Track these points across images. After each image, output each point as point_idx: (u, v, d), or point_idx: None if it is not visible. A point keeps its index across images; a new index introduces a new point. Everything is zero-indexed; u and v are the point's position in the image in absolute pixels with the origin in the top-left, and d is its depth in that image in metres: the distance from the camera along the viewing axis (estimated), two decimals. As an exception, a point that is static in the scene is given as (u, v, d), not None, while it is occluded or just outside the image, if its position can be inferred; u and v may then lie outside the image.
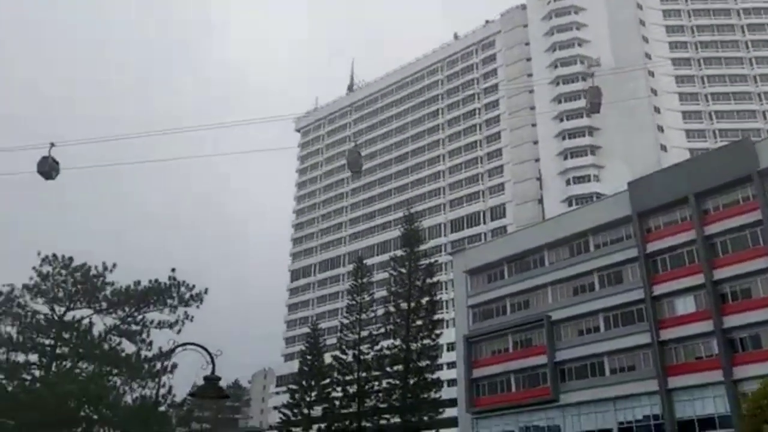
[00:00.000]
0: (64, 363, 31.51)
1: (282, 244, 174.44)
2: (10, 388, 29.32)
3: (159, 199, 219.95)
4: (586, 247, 52.65)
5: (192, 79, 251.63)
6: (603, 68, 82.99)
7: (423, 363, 48.78)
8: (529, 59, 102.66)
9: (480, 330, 55.64)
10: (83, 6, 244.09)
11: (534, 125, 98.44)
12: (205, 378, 9.70)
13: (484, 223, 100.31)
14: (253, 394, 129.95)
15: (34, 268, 31.28)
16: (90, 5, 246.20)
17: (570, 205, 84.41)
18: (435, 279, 54.62)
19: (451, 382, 63.04)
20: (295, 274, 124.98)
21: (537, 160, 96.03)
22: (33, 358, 31.04)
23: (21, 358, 30.72)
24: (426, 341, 49.30)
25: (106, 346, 31.90)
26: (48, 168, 29.10)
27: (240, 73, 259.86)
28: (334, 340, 58.84)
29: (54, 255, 31.95)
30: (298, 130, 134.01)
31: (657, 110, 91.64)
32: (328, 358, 53.24)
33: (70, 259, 32.09)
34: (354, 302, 52.20)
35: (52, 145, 29.24)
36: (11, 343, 30.37)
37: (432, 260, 56.71)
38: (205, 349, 9.96)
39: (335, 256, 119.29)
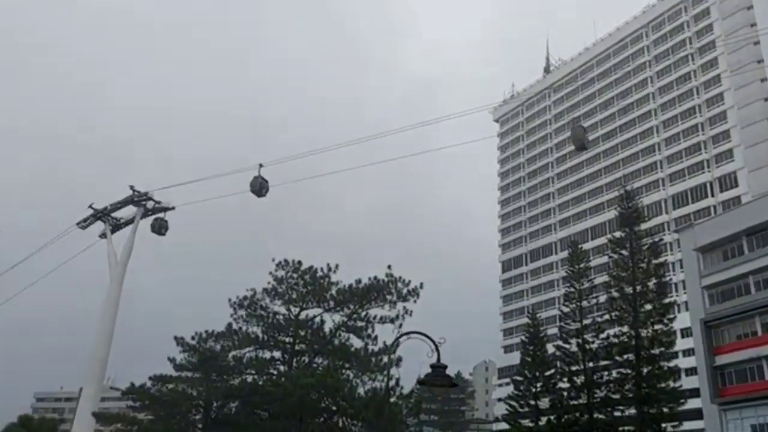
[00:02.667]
0: (302, 358, 34.31)
1: (488, 237, 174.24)
2: (260, 383, 32.58)
3: (361, 204, 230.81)
4: None
5: (385, 85, 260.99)
6: None
7: (656, 350, 45.10)
8: (750, 7, 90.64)
9: (719, 313, 50.09)
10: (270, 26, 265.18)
11: (764, 80, 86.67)
12: (432, 366, 9.72)
13: (712, 195, 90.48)
14: (476, 387, 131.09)
15: (270, 273, 34.53)
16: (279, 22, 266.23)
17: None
18: (661, 259, 50.26)
19: (690, 371, 57.61)
20: (506, 265, 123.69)
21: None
22: (277, 354, 34.28)
23: (267, 355, 34.15)
24: (657, 327, 45.53)
25: (336, 342, 34.16)
26: (258, 186, 32.10)
27: (430, 79, 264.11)
28: (555, 330, 56.85)
29: (285, 260, 34.95)
30: (496, 120, 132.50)
31: None
32: (550, 348, 51.60)
33: (299, 262, 34.85)
34: (573, 289, 49.90)
35: (261, 165, 32.25)
36: (258, 342, 33.82)
37: (655, 239, 52.32)
38: (429, 338, 9.99)
39: (546, 244, 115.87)
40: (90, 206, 43.61)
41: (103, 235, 44.39)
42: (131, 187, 43.72)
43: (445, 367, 9.78)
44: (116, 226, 44.73)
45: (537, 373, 49.93)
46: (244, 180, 30.33)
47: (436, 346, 9.86)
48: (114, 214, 44.74)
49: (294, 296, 34.29)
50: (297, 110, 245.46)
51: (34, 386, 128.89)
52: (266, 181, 32.15)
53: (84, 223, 43.77)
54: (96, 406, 37.84)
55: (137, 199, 43.91)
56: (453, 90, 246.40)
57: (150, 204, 44.11)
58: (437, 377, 9.69)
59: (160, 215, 41.62)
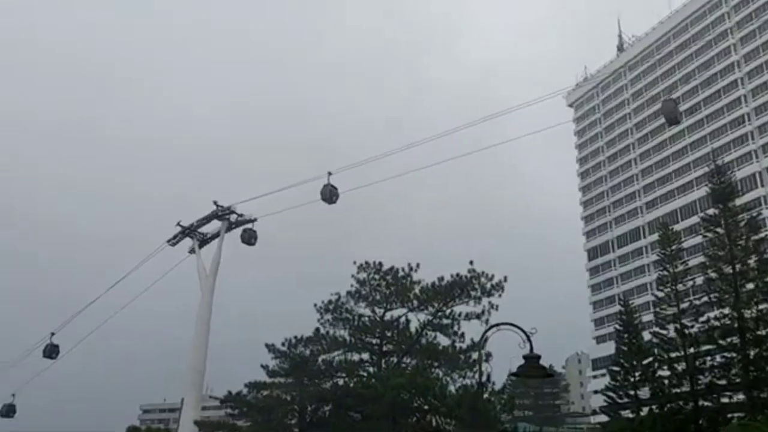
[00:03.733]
0: (391, 359, 34.37)
1: (568, 226, 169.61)
2: (351, 385, 32.88)
3: (433, 200, 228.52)
4: None
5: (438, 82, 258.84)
6: None
7: (762, 331, 42.32)
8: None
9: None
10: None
11: None
12: (525, 357, 9.38)
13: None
14: (569, 380, 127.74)
15: (352, 276, 34.79)
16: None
17: None
18: (760, 235, 47.22)
19: (803, 352, 53.81)
20: (592, 253, 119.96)
21: None
22: (365, 356, 34.50)
23: (356, 357, 34.44)
24: (762, 306, 42.73)
25: (423, 341, 34.01)
26: (329, 194, 32.50)
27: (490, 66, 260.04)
28: (649, 317, 54.50)
29: (366, 262, 35.13)
30: (570, 105, 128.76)
31: None
32: (646, 336, 49.47)
33: (380, 264, 34.94)
34: (666, 273, 47.59)
35: (330, 174, 32.59)
36: (346, 345, 34.15)
37: (752, 214, 49.22)
38: (519, 328, 9.66)
39: (633, 228, 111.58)
40: (178, 223, 45.54)
41: (192, 251, 46.24)
42: (215, 202, 45.36)
43: (539, 357, 9.43)
44: (203, 241, 46.51)
45: (634, 362, 47.93)
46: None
47: (527, 336, 9.51)
48: (200, 230, 46.54)
49: (378, 298, 34.41)
50: (357, 107, 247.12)
51: (140, 399, 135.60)
52: (336, 188, 32.61)
53: (174, 240, 45.73)
54: (197, 415, 39.37)
55: (221, 213, 45.51)
56: (515, 77, 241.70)
57: (233, 217, 45.64)
58: (531, 368, 9.36)
59: (249, 226, 43.10)
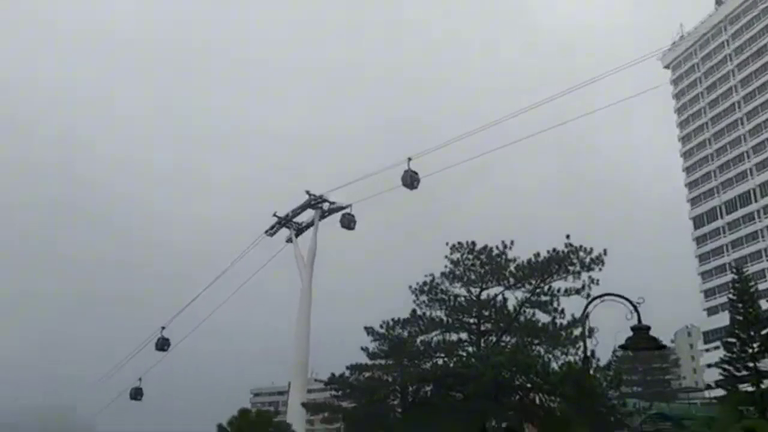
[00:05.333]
0: (489, 338, 34.09)
1: (665, 196, 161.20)
2: (451, 365, 32.92)
3: (524, 174, 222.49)
4: None
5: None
6: None
7: None
8: None
9: None
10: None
11: None
12: (633, 329, 8.93)
13: None
14: (679, 354, 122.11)
15: (446, 257, 34.67)
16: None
17: None
18: None
19: None
20: (698, 221, 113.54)
21: None
22: (463, 336, 34.40)
23: (453, 337, 34.40)
24: None
25: (522, 319, 33.48)
26: (410, 179, 32.34)
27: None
28: (766, 285, 51.21)
29: (459, 243, 34.90)
30: (666, 66, 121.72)
31: None
32: (763, 305, 46.39)
33: (473, 243, 34.62)
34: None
35: (410, 159, 32.51)
36: (443, 325, 34.17)
37: None
38: (625, 298, 9.20)
39: (743, 192, 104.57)
40: (274, 214, 47.04)
41: (289, 240, 47.68)
42: (307, 192, 46.47)
43: (649, 328, 8.93)
44: (299, 230, 47.82)
45: (752, 333, 45.09)
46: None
47: (634, 306, 9.04)
48: (295, 219, 47.86)
49: (472, 277, 34.16)
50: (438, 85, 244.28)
51: (251, 383, 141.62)
52: (416, 173, 32.48)
53: (271, 231, 47.31)
54: (304, 397, 40.80)
55: (314, 202, 46.61)
56: (601, 42, 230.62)
57: (326, 206, 46.62)
58: (641, 340, 8.88)
59: (347, 211, 44.04)
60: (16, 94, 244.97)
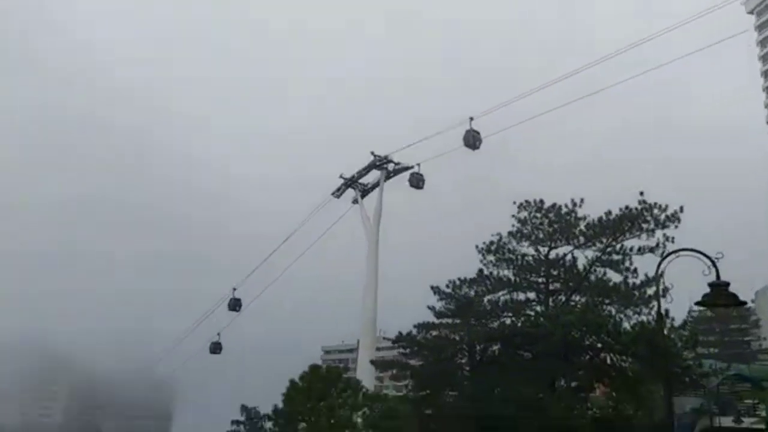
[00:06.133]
0: (558, 297, 33.66)
1: (749, 146, 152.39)
2: (519, 324, 32.79)
3: (597, 130, 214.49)
4: None
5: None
6: None
7: None
8: None
9: None
10: None
11: None
12: (711, 285, 8.53)
13: None
14: (760, 314, 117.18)
15: (513, 215, 34.21)
16: None
17: None
18: None
19: None
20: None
21: None
22: (531, 295, 34.10)
23: (521, 296, 34.15)
24: None
25: (592, 278, 32.82)
26: (472, 139, 31.70)
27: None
28: None
29: (526, 201, 34.32)
30: (750, 12, 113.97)
31: None
32: None
33: (541, 201, 33.97)
34: None
35: (471, 119, 31.86)
36: (511, 285, 33.94)
37: None
38: (702, 254, 8.80)
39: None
40: (340, 176, 47.55)
41: (355, 201, 48.20)
42: (372, 153, 46.60)
43: (728, 284, 8.51)
44: (364, 191, 48.20)
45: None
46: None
47: (712, 262, 8.64)
48: (361, 181, 48.23)
49: (540, 236, 33.61)
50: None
51: (322, 341, 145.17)
52: (478, 133, 31.83)
53: (338, 193, 47.93)
54: (373, 355, 41.74)
55: (379, 163, 46.79)
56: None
57: (391, 166, 46.71)
58: (719, 296, 8.48)
59: (416, 170, 43.95)
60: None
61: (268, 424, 29.12)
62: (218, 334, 47.10)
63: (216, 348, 46.89)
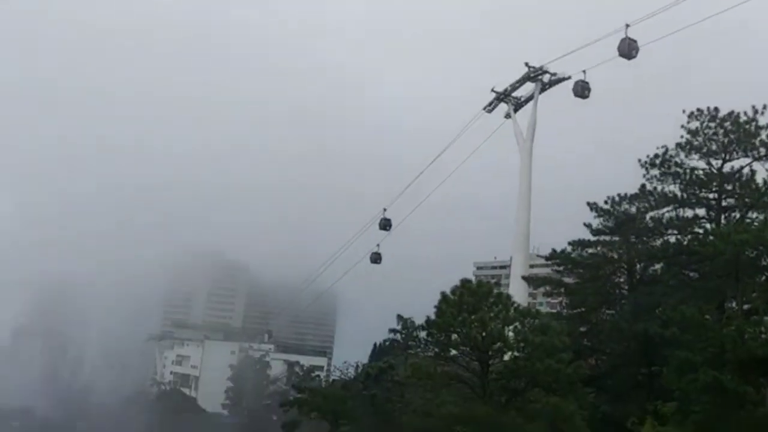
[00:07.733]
0: (732, 214, 31.16)
1: None
2: (685, 243, 30.92)
3: None
4: None
5: None
6: None
7: None
8: None
9: None
10: None
11: None
12: None
13: None
14: None
15: (682, 126, 31.60)
16: None
17: None
18: None
19: None
20: None
21: None
22: (700, 212, 31.86)
23: (688, 213, 31.98)
24: None
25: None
26: (627, 48, 28.74)
27: None
28: None
29: (699, 110, 31.50)
30: None
31: None
32: None
33: (716, 110, 31.07)
34: None
35: (627, 26, 28.78)
36: (677, 201, 31.85)
37: None
38: None
39: None
40: (492, 90, 46.13)
41: (507, 116, 46.77)
42: (526, 64, 44.52)
43: None
44: (517, 105, 46.50)
45: None
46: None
47: None
48: (514, 94, 46.47)
49: (714, 148, 31.01)
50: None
51: (474, 258, 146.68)
52: (635, 41, 28.98)
53: (489, 107, 46.68)
54: (525, 272, 41.40)
55: (533, 75, 44.62)
56: None
57: (546, 77, 44.41)
58: None
59: (582, 77, 41.14)
60: None
61: (422, 334, 30.23)
62: (377, 245, 49.02)
63: (376, 258, 48.91)
